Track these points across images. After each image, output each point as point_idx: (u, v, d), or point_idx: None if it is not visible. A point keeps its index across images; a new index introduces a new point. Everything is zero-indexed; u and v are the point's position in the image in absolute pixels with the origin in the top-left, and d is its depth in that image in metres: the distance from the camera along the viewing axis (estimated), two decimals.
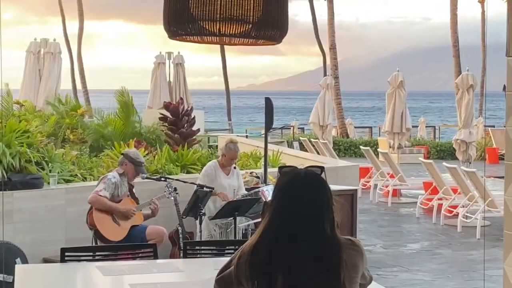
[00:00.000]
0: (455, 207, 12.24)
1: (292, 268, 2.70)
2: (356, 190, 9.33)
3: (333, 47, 30.04)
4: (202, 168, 8.99)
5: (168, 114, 13.64)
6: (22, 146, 8.35)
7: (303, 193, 2.76)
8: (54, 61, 15.86)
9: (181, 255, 5.71)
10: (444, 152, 24.95)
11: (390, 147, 16.97)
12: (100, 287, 4.54)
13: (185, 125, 13.48)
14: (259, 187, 8.60)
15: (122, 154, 8.11)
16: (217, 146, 15.69)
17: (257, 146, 12.68)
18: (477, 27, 38.55)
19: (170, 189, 7.95)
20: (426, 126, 31.01)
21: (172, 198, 7.93)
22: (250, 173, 9.76)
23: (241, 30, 3.83)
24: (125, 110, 13.85)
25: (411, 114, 18.64)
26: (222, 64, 34.68)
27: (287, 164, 8.76)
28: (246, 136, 22.25)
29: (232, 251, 4.90)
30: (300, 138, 24.68)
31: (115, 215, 7.60)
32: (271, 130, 12.45)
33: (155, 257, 5.17)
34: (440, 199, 12.69)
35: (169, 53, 17.80)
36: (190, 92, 18.22)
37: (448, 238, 11.19)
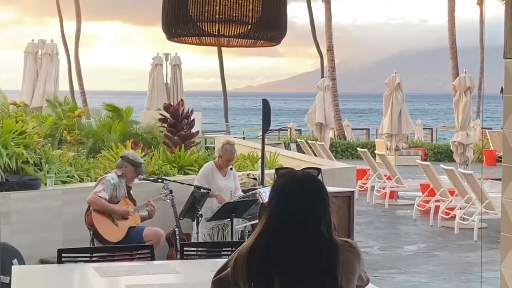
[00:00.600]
0: (452, 209, 12.24)
1: (289, 270, 2.70)
2: (353, 192, 9.35)
3: (330, 49, 30.10)
4: (199, 169, 8.99)
5: (168, 115, 13.61)
6: (19, 147, 8.34)
7: (300, 195, 2.76)
8: (51, 62, 15.84)
9: (178, 256, 5.70)
10: (441, 154, 24.97)
11: (387, 149, 16.95)
12: None
13: (185, 128, 13.45)
14: (256, 188, 8.60)
15: (121, 157, 8.10)
16: (214, 147, 15.67)
17: (254, 148, 12.67)
18: (475, 29, 38.65)
19: (166, 191, 7.96)
20: (423, 128, 31.03)
21: (169, 200, 7.95)
22: (247, 174, 9.76)
23: (240, 31, 3.82)
24: (117, 113, 13.73)
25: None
26: (219, 66, 34.56)
27: (284, 166, 8.79)
28: (244, 138, 22.22)
29: (229, 252, 4.90)
30: (297, 139, 24.66)
31: (113, 216, 7.61)
32: (268, 131, 12.44)
33: (152, 258, 5.18)
34: (437, 201, 12.71)
35: (167, 55, 17.76)
36: (188, 93, 18.20)
37: (445, 240, 11.19)
